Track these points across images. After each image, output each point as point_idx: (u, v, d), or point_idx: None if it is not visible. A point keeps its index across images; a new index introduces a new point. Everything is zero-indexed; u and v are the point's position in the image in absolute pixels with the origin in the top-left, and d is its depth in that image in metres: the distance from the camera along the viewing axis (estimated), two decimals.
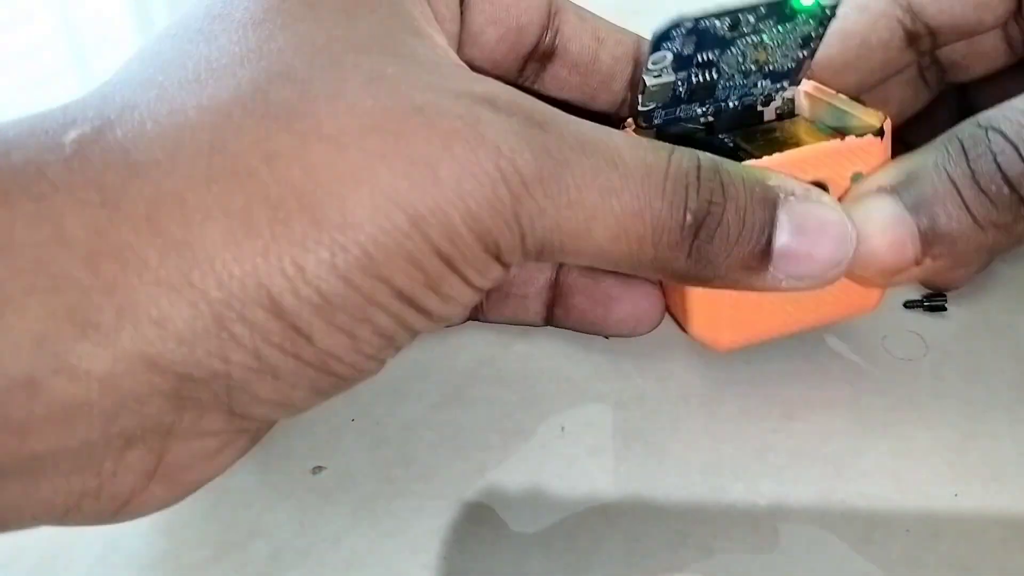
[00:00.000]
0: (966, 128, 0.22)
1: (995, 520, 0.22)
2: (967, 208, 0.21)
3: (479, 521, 0.23)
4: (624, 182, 0.19)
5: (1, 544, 0.23)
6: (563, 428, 0.25)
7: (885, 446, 0.24)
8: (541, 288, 0.27)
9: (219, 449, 0.19)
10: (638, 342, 0.28)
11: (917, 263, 0.22)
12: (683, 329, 0.25)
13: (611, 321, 0.26)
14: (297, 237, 0.17)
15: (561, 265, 0.27)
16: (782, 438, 0.25)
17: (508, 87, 0.20)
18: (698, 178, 0.20)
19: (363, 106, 0.17)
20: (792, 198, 0.21)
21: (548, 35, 0.25)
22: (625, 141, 0.20)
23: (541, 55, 0.26)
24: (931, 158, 0.22)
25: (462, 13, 0.24)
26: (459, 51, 0.24)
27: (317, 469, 0.24)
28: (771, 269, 0.21)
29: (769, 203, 0.21)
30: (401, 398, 0.26)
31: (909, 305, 0.29)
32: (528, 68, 0.26)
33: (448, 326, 0.28)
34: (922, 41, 0.27)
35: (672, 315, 0.26)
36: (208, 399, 0.17)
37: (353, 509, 0.23)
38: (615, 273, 0.26)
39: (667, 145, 0.21)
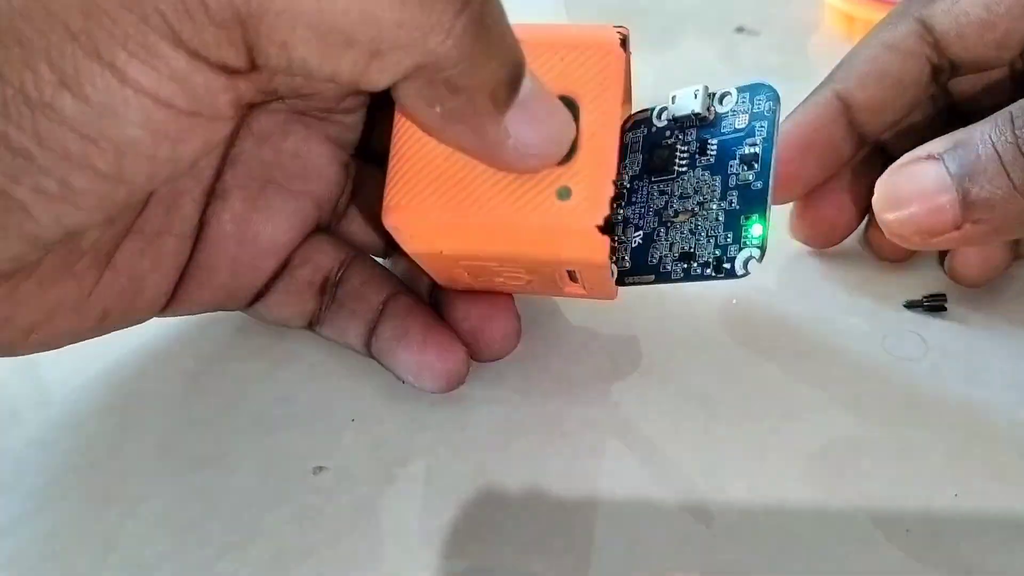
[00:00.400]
0: (1020, 102, 0.23)
1: (995, 520, 0.22)
2: (1007, 174, 0.22)
3: (479, 521, 0.23)
4: None
5: (1, 544, 0.23)
6: (563, 428, 0.25)
7: (885, 446, 0.24)
8: (370, 307, 0.26)
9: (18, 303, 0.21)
10: (638, 342, 0.28)
11: (957, 227, 0.23)
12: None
13: (398, 360, 0.26)
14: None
15: (393, 290, 0.26)
16: (782, 438, 0.25)
17: None
18: None
19: None
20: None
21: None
22: None
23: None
24: (980, 128, 0.23)
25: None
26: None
27: (317, 469, 0.24)
28: (507, 118, 0.20)
29: (519, 51, 0.20)
30: (401, 398, 0.26)
31: (909, 305, 0.29)
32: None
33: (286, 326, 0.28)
34: (943, 74, 0.28)
35: None
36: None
37: (353, 509, 0.23)
38: (428, 314, 0.26)
39: None
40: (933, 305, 0.28)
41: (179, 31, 0.17)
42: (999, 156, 0.22)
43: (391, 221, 0.22)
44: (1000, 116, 0.23)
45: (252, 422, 0.26)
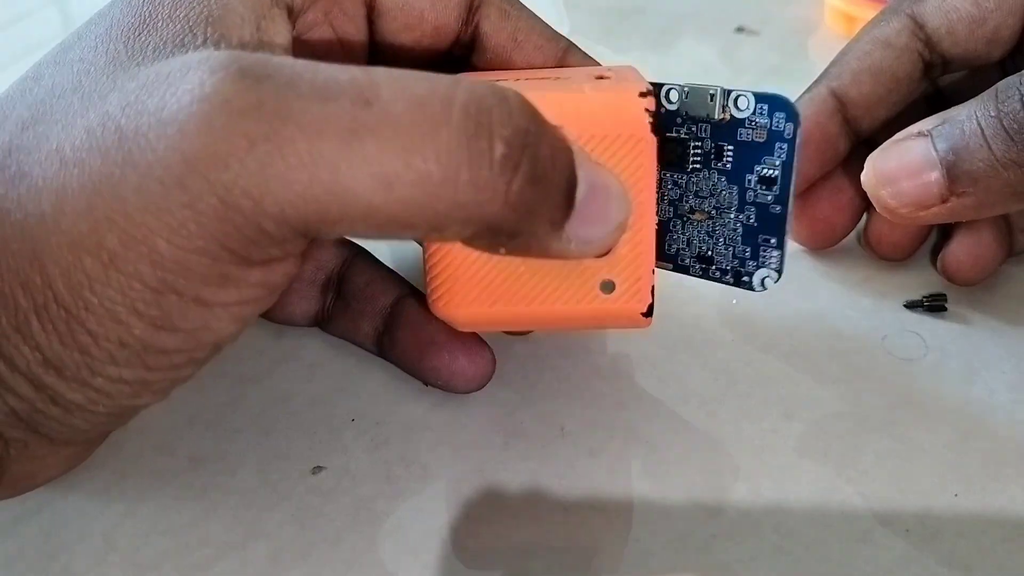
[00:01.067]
0: (1006, 80, 0.23)
1: (995, 520, 0.22)
2: (989, 147, 0.23)
3: (479, 521, 0.23)
4: (380, 118, 0.16)
5: (1, 544, 0.23)
6: (563, 428, 0.25)
7: (885, 446, 0.24)
8: (379, 309, 0.26)
9: (59, 460, 0.21)
10: (638, 342, 0.28)
11: (944, 201, 0.24)
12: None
13: (426, 367, 0.25)
14: (9, 301, 0.17)
15: (401, 292, 0.26)
16: (782, 438, 0.25)
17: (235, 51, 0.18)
18: (502, 100, 0.17)
19: (71, 135, 0.17)
20: (576, 149, 0.19)
21: (467, 32, 0.25)
22: (387, 76, 0.17)
23: (460, 47, 0.25)
24: (968, 105, 0.24)
25: (373, 22, 0.24)
26: (372, 58, 0.24)
27: (317, 469, 0.24)
28: (566, 228, 0.19)
29: (567, 145, 0.19)
30: (401, 398, 0.26)
31: (909, 305, 0.29)
32: (444, 64, 0.25)
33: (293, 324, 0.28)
34: (935, 70, 0.28)
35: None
36: (19, 439, 0.19)
37: (353, 509, 0.23)
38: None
39: (449, 76, 0.18)
40: (933, 305, 0.28)
41: (248, 255, 0.17)
42: (982, 130, 0.23)
43: (442, 314, 0.23)
44: (987, 93, 0.24)
45: (252, 422, 0.26)
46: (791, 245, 0.31)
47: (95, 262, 0.17)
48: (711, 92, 0.22)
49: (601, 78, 0.23)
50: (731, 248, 0.23)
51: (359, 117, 0.16)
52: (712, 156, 0.23)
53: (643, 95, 0.21)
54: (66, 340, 0.17)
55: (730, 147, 0.23)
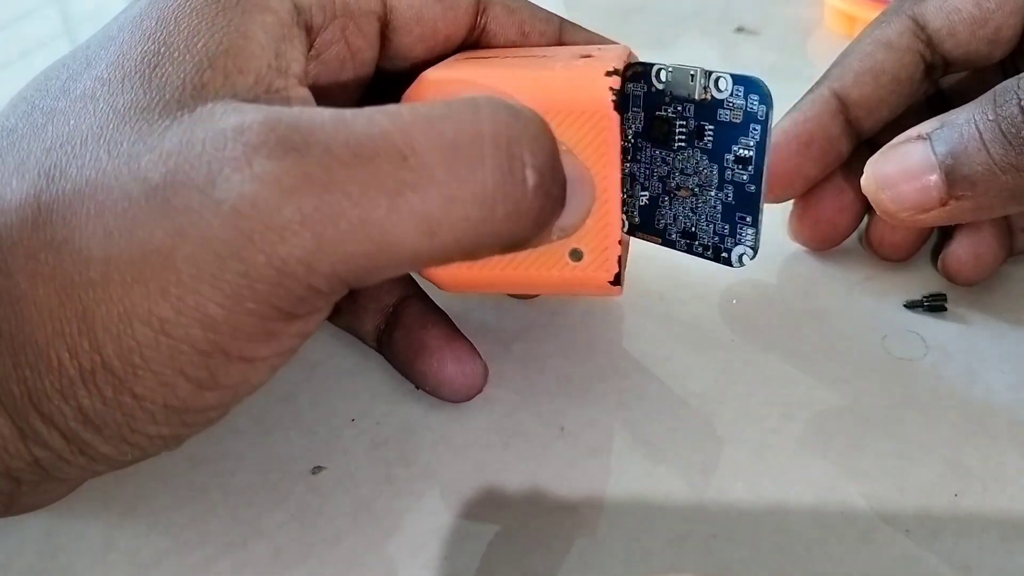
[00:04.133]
0: (1003, 83, 0.23)
1: (995, 520, 0.22)
2: (987, 151, 0.23)
3: (479, 521, 0.23)
4: (420, 174, 0.17)
5: (1, 544, 0.23)
6: (563, 428, 0.25)
7: (885, 446, 0.24)
8: (382, 307, 0.26)
9: (65, 489, 0.22)
10: (638, 342, 0.28)
11: (943, 204, 0.24)
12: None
13: (416, 371, 0.25)
14: (54, 363, 0.17)
15: (406, 292, 0.26)
16: (782, 438, 0.25)
17: (273, 106, 0.18)
18: (526, 124, 0.18)
19: (110, 200, 0.17)
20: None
21: (474, 35, 0.25)
22: (413, 120, 0.18)
23: (467, 48, 0.25)
24: (966, 108, 0.24)
25: (387, 36, 0.24)
26: (381, 64, 0.24)
27: (317, 469, 0.24)
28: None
29: (558, 148, 0.19)
30: (401, 398, 0.26)
31: (909, 305, 0.29)
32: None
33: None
34: (936, 71, 0.28)
35: None
36: (34, 481, 0.19)
37: (353, 509, 0.23)
38: (444, 324, 0.26)
39: (466, 101, 0.18)
40: (933, 305, 0.28)
41: (294, 311, 0.18)
42: (980, 134, 0.23)
43: (427, 275, 0.24)
44: (985, 96, 0.24)
45: (252, 422, 0.26)
46: (793, 245, 0.31)
47: (146, 329, 0.17)
48: (691, 72, 0.23)
49: (585, 56, 0.23)
50: (712, 225, 0.24)
51: (399, 176, 0.17)
52: (696, 135, 0.24)
53: (609, 74, 0.22)
54: (110, 402, 0.18)
55: (711, 127, 0.23)
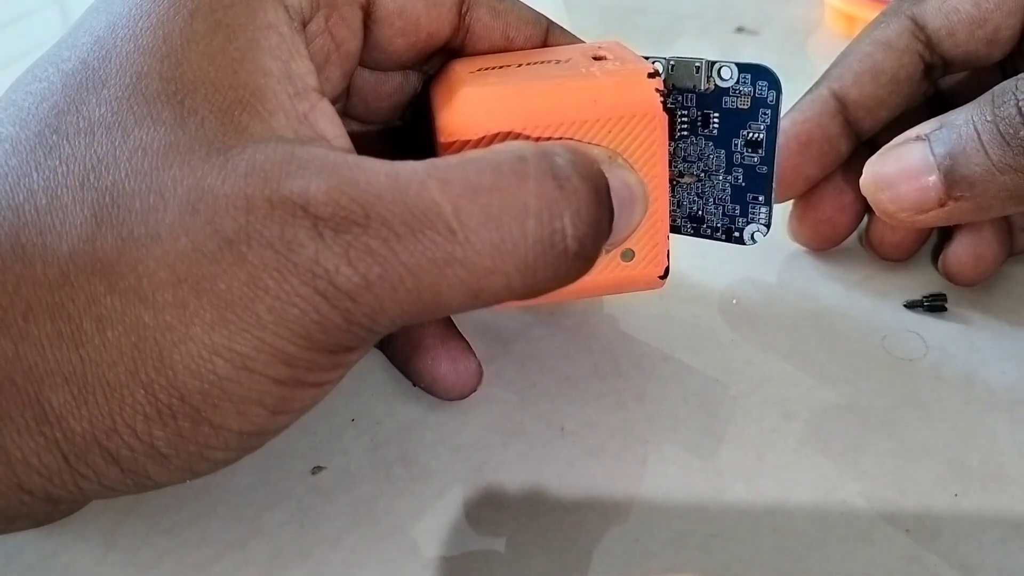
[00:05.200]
0: (1001, 84, 0.23)
1: (995, 520, 0.22)
2: (986, 152, 0.23)
3: (479, 521, 0.23)
4: (467, 251, 0.18)
5: (1, 544, 0.23)
6: (563, 428, 0.25)
7: (885, 446, 0.24)
8: None
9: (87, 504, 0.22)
10: (638, 342, 0.28)
11: (942, 204, 0.24)
12: None
13: (411, 368, 0.26)
14: (127, 401, 0.18)
15: None
16: (782, 438, 0.25)
17: (331, 163, 0.18)
18: (571, 195, 0.19)
19: (177, 249, 0.18)
20: (606, 165, 0.21)
21: (459, 36, 0.25)
22: (464, 188, 0.18)
23: (450, 51, 0.25)
24: (964, 109, 0.24)
25: (369, 27, 0.24)
26: (363, 58, 0.24)
27: (317, 469, 0.24)
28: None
29: (602, 178, 0.20)
30: (401, 398, 0.26)
31: (909, 305, 0.29)
32: (434, 59, 0.26)
33: None
34: (935, 71, 0.28)
35: None
36: (70, 502, 0.20)
37: (353, 509, 0.23)
38: (442, 322, 0.26)
39: (514, 166, 0.19)
40: (933, 305, 0.28)
41: (357, 347, 0.19)
42: (978, 135, 0.23)
43: None
44: (983, 97, 0.24)
45: None
46: (793, 245, 0.31)
47: (227, 364, 0.18)
48: (696, 64, 0.24)
49: (599, 59, 0.24)
50: (721, 207, 0.25)
51: (448, 249, 0.18)
52: (699, 123, 0.24)
53: (651, 76, 0.23)
54: (186, 433, 0.18)
55: (716, 114, 0.24)
